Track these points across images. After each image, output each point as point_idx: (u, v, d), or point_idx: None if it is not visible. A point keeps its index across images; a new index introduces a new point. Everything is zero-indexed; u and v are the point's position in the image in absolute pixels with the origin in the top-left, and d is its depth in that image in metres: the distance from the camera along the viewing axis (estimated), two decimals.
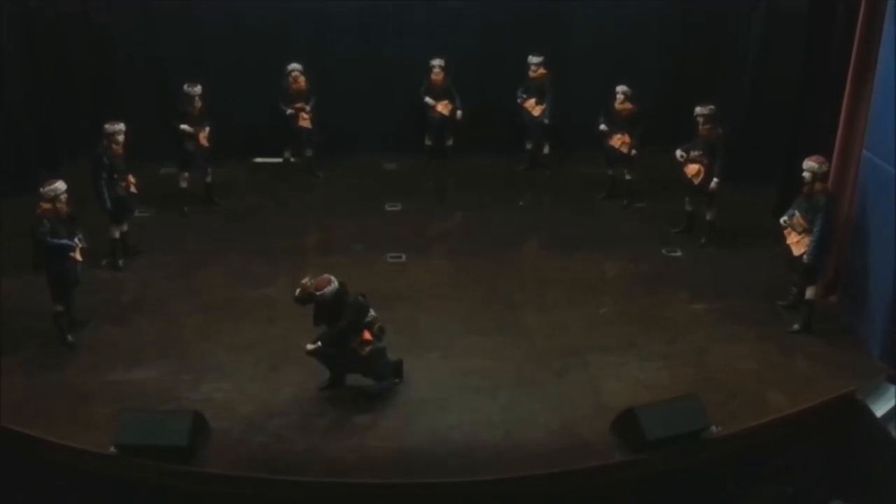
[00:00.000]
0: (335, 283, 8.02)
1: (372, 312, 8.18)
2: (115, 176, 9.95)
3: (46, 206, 8.72)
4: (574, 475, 7.23)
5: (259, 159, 12.80)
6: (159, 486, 7.21)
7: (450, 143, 12.80)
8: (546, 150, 12.54)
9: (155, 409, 7.81)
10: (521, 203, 11.91)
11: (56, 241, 8.70)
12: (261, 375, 8.55)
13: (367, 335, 8.09)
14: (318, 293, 7.96)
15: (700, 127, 10.50)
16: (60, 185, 8.79)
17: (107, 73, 12.37)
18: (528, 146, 12.57)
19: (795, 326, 9.14)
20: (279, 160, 12.48)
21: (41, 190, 8.76)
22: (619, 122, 11.46)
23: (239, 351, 8.88)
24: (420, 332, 9.18)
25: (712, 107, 10.50)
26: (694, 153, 10.50)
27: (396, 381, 8.39)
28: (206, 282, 10.11)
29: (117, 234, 10.23)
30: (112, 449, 7.36)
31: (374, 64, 12.70)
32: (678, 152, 10.55)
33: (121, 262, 10.27)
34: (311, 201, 12.13)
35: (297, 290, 8.07)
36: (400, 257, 10.61)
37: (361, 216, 11.54)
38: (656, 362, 8.69)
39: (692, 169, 10.56)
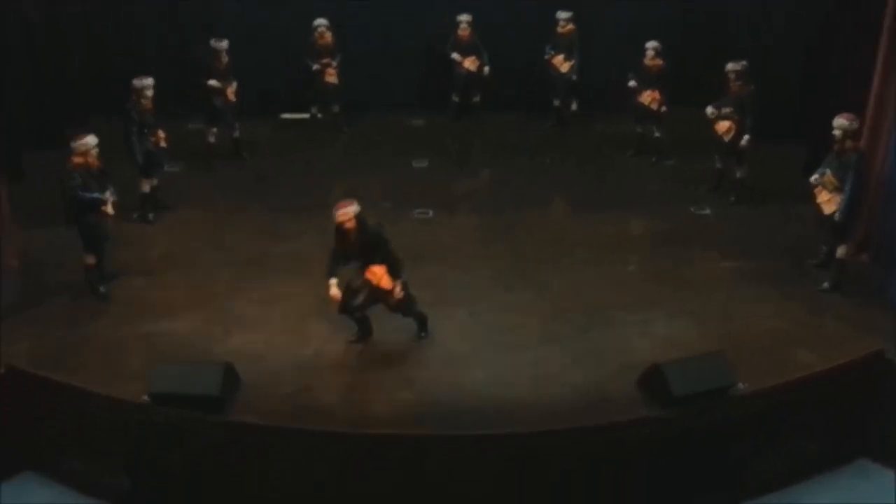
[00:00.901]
0: (356, 206, 7.97)
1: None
2: (145, 131, 10.03)
3: (78, 160, 8.81)
4: (599, 431, 7.28)
5: (286, 115, 12.83)
6: (191, 434, 7.33)
7: (476, 99, 12.76)
8: (574, 107, 12.48)
9: (187, 361, 7.92)
10: (547, 160, 11.91)
11: (87, 195, 8.79)
12: (290, 328, 8.65)
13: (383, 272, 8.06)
14: (338, 212, 7.90)
15: (731, 83, 10.39)
16: (91, 140, 8.87)
17: (135, 30, 12.40)
18: (556, 103, 12.51)
19: (825, 285, 9.11)
20: (306, 116, 12.51)
21: (72, 144, 8.84)
22: (649, 79, 11.37)
23: (268, 305, 8.99)
24: (447, 288, 9.24)
25: (744, 63, 10.38)
26: (725, 110, 10.42)
27: (423, 334, 8.46)
28: (235, 237, 10.20)
29: (147, 189, 10.33)
30: (145, 398, 7.50)
31: (400, 19, 12.64)
32: (709, 109, 10.47)
33: (151, 217, 10.39)
34: (338, 157, 12.17)
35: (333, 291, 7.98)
36: (427, 214, 10.66)
37: (388, 172, 11.57)
38: (684, 320, 8.69)
39: (723, 126, 10.48)
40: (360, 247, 8.01)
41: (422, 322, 8.47)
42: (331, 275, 8.01)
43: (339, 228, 7.97)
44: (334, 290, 8.02)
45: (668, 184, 11.25)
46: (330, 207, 10.91)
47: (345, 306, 8.15)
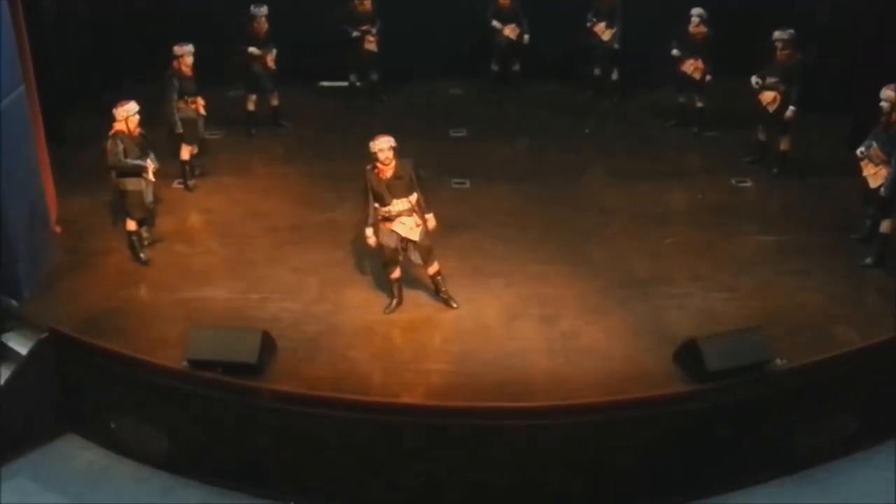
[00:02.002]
0: (392, 138, 8.07)
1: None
2: (186, 98, 10.07)
3: (119, 126, 8.87)
4: (634, 404, 7.26)
5: (324, 83, 12.80)
6: (228, 400, 7.43)
7: (516, 68, 12.60)
8: (614, 76, 12.30)
9: (225, 327, 8.00)
10: (586, 130, 11.77)
11: (129, 160, 8.87)
12: (326, 297, 8.69)
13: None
14: (378, 141, 8.01)
15: (777, 52, 10.15)
16: (133, 106, 8.92)
17: None
18: (596, 72, 12.32)
19: (868, 260, 8.93)
20: (344, 84, 12.46)
21: (114, 111, 8.90)
22: (693, 47, 11.14)
23: (305, 273, 9.03)
24: (483, 258, 9.22)
25: (791, 31, 10.12)
26: (770, 80, 10.19)
27: (453, 302, 8.44)
28: (272, 204, 10.24)
29: (187, 156, 10.39)
30: (184, 364, 7.60)
31: None
32: (754, 79, 10.25)
33: (190, 184, 10.45)
34: (376, 126, 12.05)
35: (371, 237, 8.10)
36: (464, 183, 10.61)
37: (426, 141, 11.46)
38: (722, 294, 8.60)
39: (767, 96, 10.26)
40: (394, 184, 8.05)
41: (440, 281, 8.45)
42: (371, 223, 8.15)
43: (375, 164, 8.04)
44: (373, 240, 8.15)
45: (709, 155, 11.08)
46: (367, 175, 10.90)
47: (388, 258, 8.23)
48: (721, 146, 11.20)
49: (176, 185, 10.43)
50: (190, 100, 10.14)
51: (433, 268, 8.38)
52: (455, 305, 8.48)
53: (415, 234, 8.22)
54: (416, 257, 8.35)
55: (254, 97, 11.54)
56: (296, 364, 7.83)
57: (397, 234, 8.23)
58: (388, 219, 8.24)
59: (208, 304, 8.58)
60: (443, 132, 11.74)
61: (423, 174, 10.64)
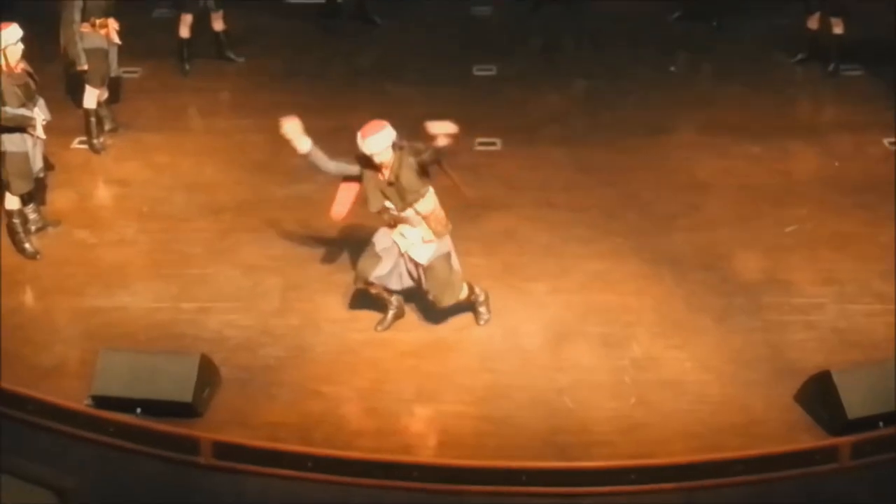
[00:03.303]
0: (391, 129, 7.95)
1: (432, 193, 8.13)
2: (93, 19, 10.07)
3: None
4: (740, 466, 7.21)
5: None
6: (150, 455, 7.42)
7: None
8: None
9: (147, 350, 7.99)
10: (671, 69, 11.83)
11: (9, 109, 8.86)
12: (292, 308, 8.69)
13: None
14: (367, 140, 7.89)
15: None
16: (14, 31, 8.90)
17: None
18: None
19: None
20: (321, 0, 12.48)
21: None
22: None
23: (262, 273, 9.03)
24: (520, 253, 9.21)
25: None
26: None
27: (481, 316, 8.44)
28: (215, 174, 10.25)
29: (93, 104, 10.40)
30: (88, 402, 7.60)
31: None
32: None
33: (98, 143, 10.46)
34: (367, 61, 12.14)
35: (294, 137, 8.04)
36: (493, 144, 10.61)
37: (438, 83, 11.51)
38: (866, 305, 8.60)
39: None
40: (394, 188, 8.01)
41: (476, 299, 8.42)
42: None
43: (368, 160, 8.03)
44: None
45: (851, 104, 11.10)
46: (353, 134, 10.91)
47: (363, 276, 8.20)
48: (869, 91, 11.21)
49: (77, 144, 10.47)
50: (98, 22, 10.15)
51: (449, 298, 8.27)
52: (484, 321, 8.44)
53: (421, 254, 8.14)
54: (426, 285, 8.21)
55: (189, 18, 11.56)
56: (248, 404, 7.82)
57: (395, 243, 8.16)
58: (388, 222, 8.20)
59: (123, 316, 8.58)
60: (463, 70, 11.76)
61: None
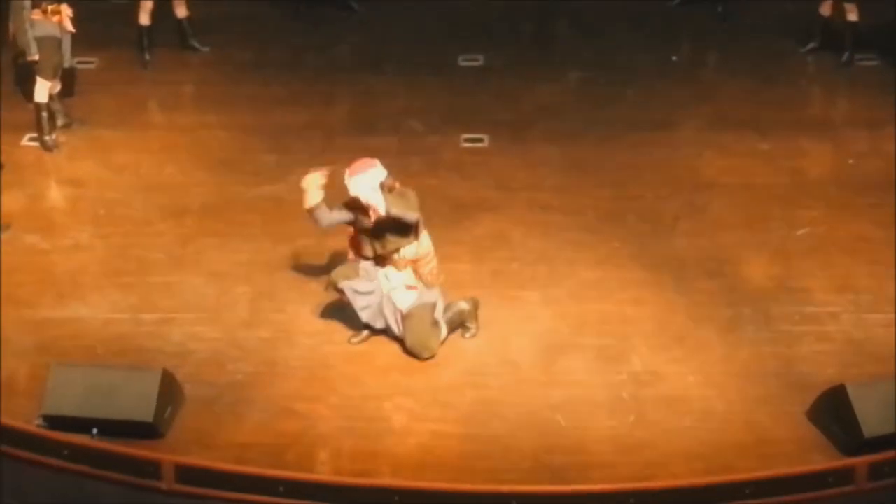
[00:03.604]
0: (380, 169, 8.00)
1: (427, 240, 8.20)
2: (44, 6, 10.06)
3: None
4: (748, 489, 7.23)
5: None
6: (106, 480, 7.40)
7: None
8: None
9: (103, 365, 7.97)
10: (674, 58, 11.87)
11: None
12: (262, 319, 8.68)
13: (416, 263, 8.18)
14: (351, 178, 7.92)
15: None
16: None
17: None
18: None
19: None
20: None
21: None
22: None
23: (229, 281, 9.03)
24: (510, 258, 9.22)
25: None
26: None
27: (468, 330, 8.45)
28: (178, 174, 10.24)
29: (45, 97, 10.38)
30: (38, 422, 7.57)
31: None
32: None
33: (50, 140, 10.45)
34: (343, 50, 12.14)
35: (310, 189, 8.07)
36: (480, 141, 10.62)
37: (421, 74, 11.53)
38: (884, 315, 8.62)
39: None
40: (384, 230, 8.03)
41: (462, 313, 8.43)
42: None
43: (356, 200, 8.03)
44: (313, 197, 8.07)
45: (867, 97, 11.13)
46: (329, 129, 10.91)
47: (334, 280, 8.22)
48: (885, 82, 11.22)
49: (27, 141, 10.44)
50: (50, 8, 10.14)
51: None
52: (470, 335, 8.45)
53: (402, 300, 8.16)
54: (402, 333, 8.26)
55: (149, 4, 11.53)
56: (214, 423, 7.81)
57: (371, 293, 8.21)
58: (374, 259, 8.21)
59: (78, 328, 8.57)
60: (448, 60, 11.78)
61: (417, 126, 10.79)
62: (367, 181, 7.96)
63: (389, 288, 8.21)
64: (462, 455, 7.62)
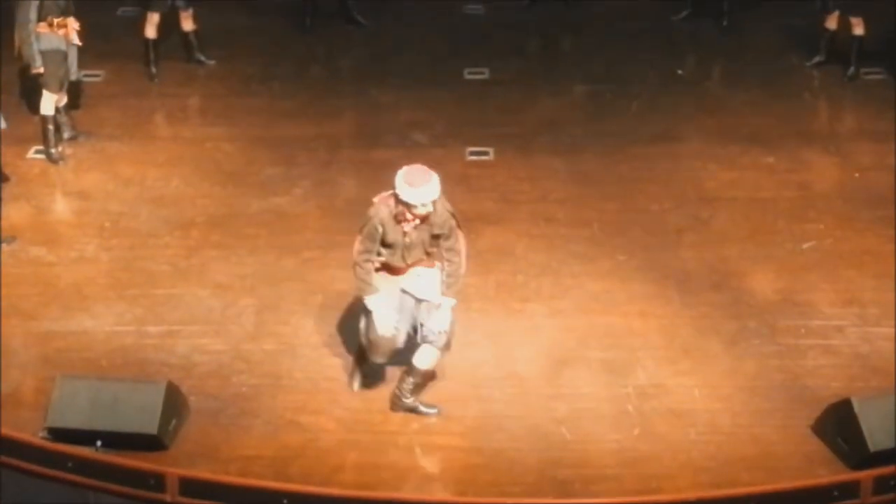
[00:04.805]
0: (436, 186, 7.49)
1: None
2: (51, 17, 10.07)
3: None
4: (754, 501, 7.16)
5: None
6: (112, 492, 7.39)
7: None
8: None
9: (108, 377, 7.94)
10: (678, 72, 11.88)
11: None
12: (268, 331, 8.67)
13: None
14: (418, 190, 7.37)
15: None
16: None
17: None
18: None
19: None
20: None
21: None
22: None
23: (234, 293, 9.02)
24: (515, 271, 9.22)
25: None
26: None
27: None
28: (183, 186, 10.24)
29: (51, 110, 10.39)
30: (43, 434, 7.56)
31: None
32: None
33: (56, 152, 10.45)
34: (348, 63, 12.15)
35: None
36: (486, 154, 10.63)
37: (426, 88, 11.54)
38: (890, 328, 8.57)
39: None
40: (418, 239, 7.63)
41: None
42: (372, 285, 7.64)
43: (398, 208, 7.51)
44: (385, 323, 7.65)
45: (873, 111, 11.12)
46: (335, 142, 10.91)
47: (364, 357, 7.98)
48: (891, 96, 11.21)
49: (34, 154, 10.45)
50: (56, 21, 10.15)
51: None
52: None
53: (434, 293, 7.71)
54: (429, 331, 7.74)
55: (156, 17, 11.56)
56: (219, 436, 7.80)
57: (401, 306, 7.71)
58: (392, 268, 7.74)
59: (83, 340, 8.56)
60: (453, 73, 11.79)
61: (421, 140, 10.80)
62: (433, 190, 7.46)
63: (419, 287, 7.72)
64: (466, 468, 7.59)
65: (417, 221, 7.55)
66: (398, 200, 7.47)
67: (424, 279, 7.77)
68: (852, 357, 8.40)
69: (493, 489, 7.40)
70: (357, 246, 7.62)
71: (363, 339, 7.86)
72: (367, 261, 7.60)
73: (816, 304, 8.88)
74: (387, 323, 7.66)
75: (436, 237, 7.66)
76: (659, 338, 8.61)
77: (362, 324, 7.82)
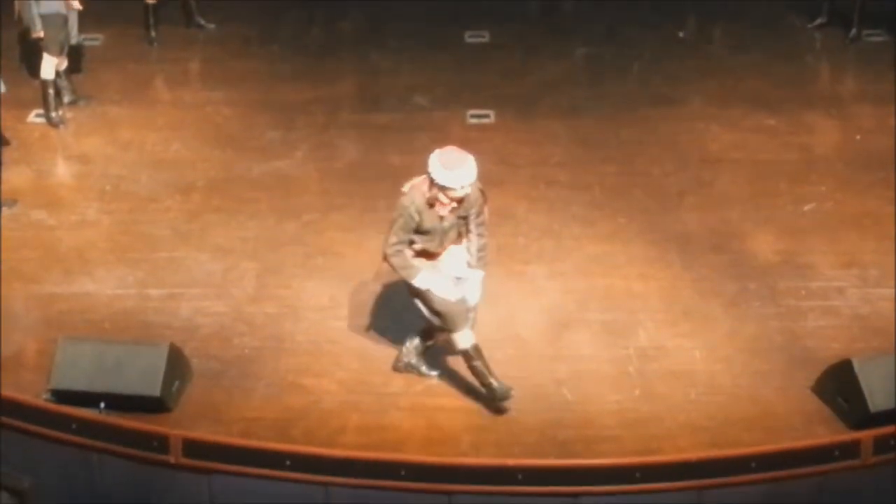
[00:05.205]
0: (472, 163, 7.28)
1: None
2: None
3: None
4: (755, 462, 7.20)
5: None
6: (115, 454, 7.41)
7: None
8: None
9: (111, 340, 7.96)
10: (680, 34, 11.88)
11: None
12: (269, 294, 8.69)
13: None
14: (456, 173, 7.13)
15: None
16: None
17: None
18: None
19: None
20: None
21: None
22: None
23: (235, 256, 9.04)
24: (517, 234, 9.23)
25: None
26: None
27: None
28: (184, 150, 10.26)
29: (51, 74, 10.38)
30: (46, 396, 7.58)
31: None
32: None
33: (56, 116, 10.46)
34: (347, 27, 12.11)
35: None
36: (486, 117, 10.64)
37: (426, 51, 11.52)
38: (890, 289, 8.60)
39: None
40: (454, 224, 7.51)
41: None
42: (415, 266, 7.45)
43: (432, 193, 7.30)
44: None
45: (874, 73, 11.12)
46: (335, 105, 10.89)
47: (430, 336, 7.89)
48: (893, 58, 11.22)
49: (34, 118, 10.47)
50: None
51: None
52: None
53: (465, 268, 7.62)
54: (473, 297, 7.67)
55: None
56: (221, 398, 7.82)
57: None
58: (429, 254, 7.55)
59: (85, 303, 8.58)
60: (454, 36, 11.79)
61: (422, 102, 10.79)
62: (471, 173, 7.27)
63: (456, 265, 7.63)
64: (468, 429, 7.62)
65: (454, 205, 7.38)
66: (433, 184, 7.27)
67: (457, 257, 7.69)
68: (852, 318, 8.41)
69: (494, 450, 7.42)
70: (390, 238, 7.40)
71: (434, 320, 7.60)
72: (401, 252, 7.42)
73: (817, 265, 8.89)
74: (448, 287, 7.54)
75: (464, 217, 7.57)
76: (659, 300, 8.63)
77: (424, 308, 7.57)
